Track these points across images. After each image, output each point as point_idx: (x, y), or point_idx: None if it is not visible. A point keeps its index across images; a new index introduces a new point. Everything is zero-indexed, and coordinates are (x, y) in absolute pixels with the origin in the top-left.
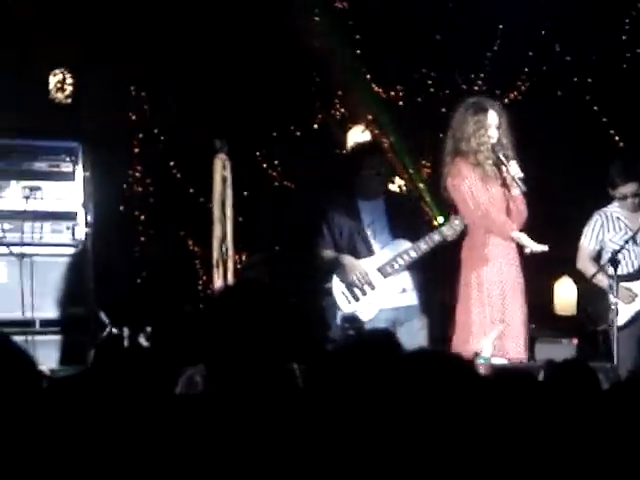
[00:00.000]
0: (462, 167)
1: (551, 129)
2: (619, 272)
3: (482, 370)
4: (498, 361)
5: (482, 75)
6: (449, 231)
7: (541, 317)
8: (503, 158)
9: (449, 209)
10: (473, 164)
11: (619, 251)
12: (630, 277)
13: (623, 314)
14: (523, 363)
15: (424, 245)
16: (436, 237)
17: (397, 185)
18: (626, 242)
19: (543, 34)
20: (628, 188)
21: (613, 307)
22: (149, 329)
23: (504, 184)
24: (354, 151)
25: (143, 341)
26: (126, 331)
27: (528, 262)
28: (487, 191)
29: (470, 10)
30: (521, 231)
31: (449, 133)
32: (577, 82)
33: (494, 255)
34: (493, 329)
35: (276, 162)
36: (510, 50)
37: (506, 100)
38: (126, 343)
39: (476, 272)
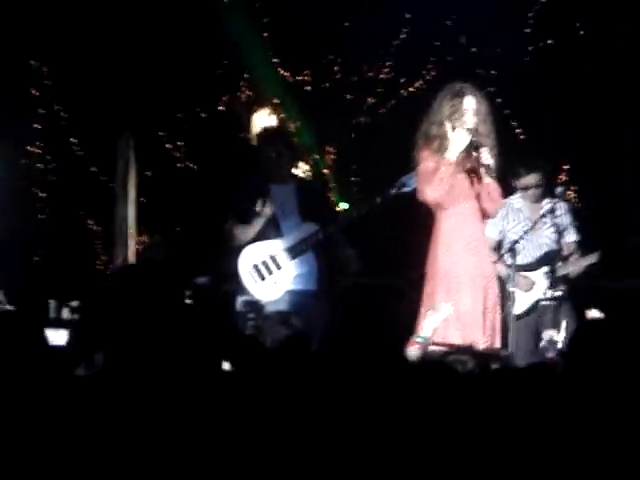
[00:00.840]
0: (427, 157)
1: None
2: (519, 262)
3: (415, 349)
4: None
5: (388, 63)
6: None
7: None
8: (475, 144)
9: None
10: (436, 150)
11: (517, 241)
12: (529, 267)
13: (521, 303)
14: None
15: (331, 228)
16: (342, 220)
17: (301, 170)
18: (525, 232)
19: (450, 24)
20: (530, 179)
21: (511, 295)
22: (74, 303)
23: (473, 171)
24: (258, 135)
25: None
26: (52, 303)
27: None
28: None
29: None
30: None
31: (425, 116)
32: (481, 74)
33: (450, 241)
34: (439, 311)
35: (180, 143)
36: (417, 39)
37: (411, 89)
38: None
39: (431, 257)
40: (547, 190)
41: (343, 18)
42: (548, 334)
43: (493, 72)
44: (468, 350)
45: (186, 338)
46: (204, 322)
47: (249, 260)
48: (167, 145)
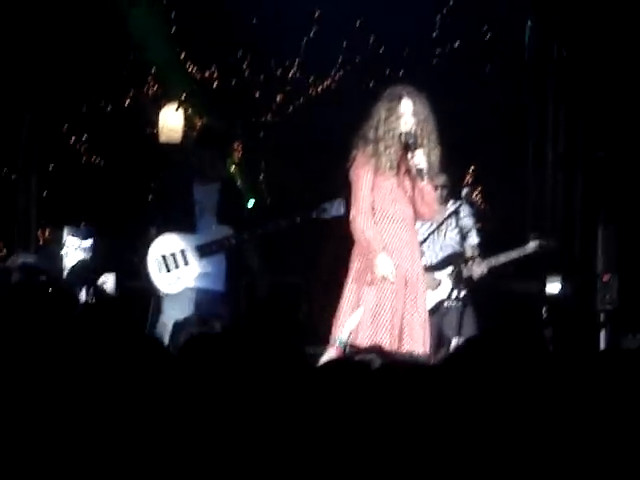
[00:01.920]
0: (359, 162)
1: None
2: (425, 262)
3: (333, 352)
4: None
5: (297, 62)
6: None
7: None
8: (409, 147)
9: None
10: (370, 155)
11: (423, 242)
12: (435, 267)
13: (427, 302)
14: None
15: (245, 236)
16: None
17: None
18: (430, 233)
19: (358, 25)
20: (436, 180)
21: None
22: None
23: (407, 174)
24: (197, 134)
25: None
26: None
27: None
28: (379, 186)
29: None
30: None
31: (364, 119)
32: (389, 74)
33: (372, 249)
34: (353, 315)
35: (84, 137)
36: (326, 38)
37: (319, 89)
38: None
39: (352, 262)
40: (453, 192)
41: (252, 15)
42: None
43: (401, 73)
44: (375, 350)
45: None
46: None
47: (159, 249)
48: (71, 139)
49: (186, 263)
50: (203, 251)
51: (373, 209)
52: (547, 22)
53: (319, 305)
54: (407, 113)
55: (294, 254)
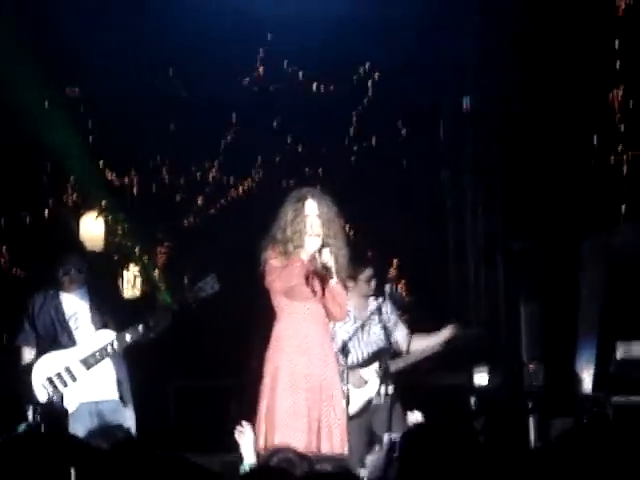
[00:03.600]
0: (270, 262)
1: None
2: (351, 360)
3: None
4: None
5: (216, 163)
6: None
7: None
8: (317, 247)
9: None
10: (281, 253)
11: (349, 339)
12: (360, 365)
13: (355, 402)
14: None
15: (129, 335)
16: (140, 328)
17: (131, 272)
18: (355, 331)
19: (275, 126)
20: (360, 274)
21: (344, 394)
22: None
23: (317, 275)
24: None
25: None
26: None
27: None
28: (290, 286)
29: (203, 98)
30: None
31: (273, 220)
32: (309, 172)
33: (281, 341)
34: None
35: (4, 249)
36: (243, 139)
37: (240, 189)
38: None
39: (266, 357)
40: (377, 286)
41: (168, 120)
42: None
43: (320, 170)
44: (291, 451)
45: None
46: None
47: (43, 372)
48: None
49: (74, 379)
50: (88, 363)
51: (284, 309)
52: (461, 118)
53: (249, 408)
54: (312, 214)
55: (228, 356)
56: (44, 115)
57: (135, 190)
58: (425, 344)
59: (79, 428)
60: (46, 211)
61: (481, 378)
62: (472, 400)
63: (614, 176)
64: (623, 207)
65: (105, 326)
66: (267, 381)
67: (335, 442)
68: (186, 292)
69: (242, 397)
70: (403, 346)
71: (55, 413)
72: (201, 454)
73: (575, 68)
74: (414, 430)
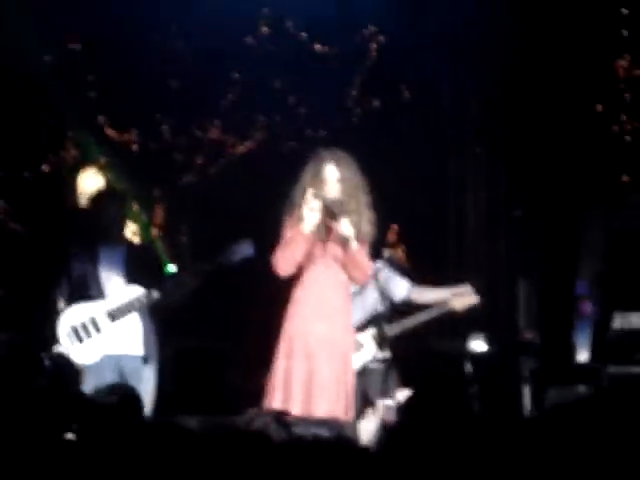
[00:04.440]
0: (289, 225)
1: (286, 178)
2: None
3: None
4: None
5: (217, 123)
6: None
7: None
8: (333, 214)
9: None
10: (297, 219)
11: None
12: (357, 329)
13: None
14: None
15: (156, 292)
16: (168, 285)
17: (130, 230)
18: (351, 295)
19: (277, 86)
20: None
21: None
22: None
23: (334, 240)
24: (92, 197)
25: None
26: None
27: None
28: (308, 250)
29: (205, 57)
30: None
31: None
32: (309, 134)
33: (300, 307)
34: None
35: (2, 204)
36: (245, 99)
37: (240, 148)
38: None
39: (284, 322)
40: (375, 252)
41: (170, 77)
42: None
43: (324, 132)
44: (271, 416)
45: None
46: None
47: (68, 321)
48: None
49: (98, 330)
50: (114, 315)
51: (302, 273)
52: (463, 81)
53: (242, 372)
54: (332, 179)
55: (221, 319)
56: (44, 68)
57: (134, 147)
58: (435, 296)
59: (97, 381)
60: (45, 166)
61: (477, 345)
62: (467, 366)
63: (616, 145)
64: (624, 177)
65: (136, 282)
66: (283, 346)
67: (349, 408)
68: (219, 255)
69: (240, 361)
70: (409, 297)
71: (68, 368)
72: (198, 415)
73: (580, 36)
74: (408, 402)
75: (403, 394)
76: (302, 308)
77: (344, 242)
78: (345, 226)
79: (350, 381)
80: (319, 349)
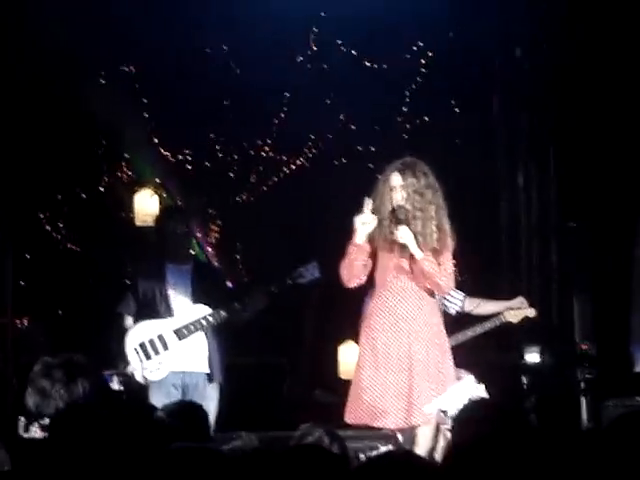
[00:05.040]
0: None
1: (338, 194)
2: None
3: None
4: None
5: (269, 141)
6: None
7: (326, 381)
8: (400, 221)
9: None
10: (376, 225)
11: None
12: None
13: None
14: None
15: (224, 312)
16: (235, 306)
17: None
18: None
19: (328, 103)
20: None
21: None
22: None
23: (402, 247)
24: (161, 213)
25: None
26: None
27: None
28: (380, 258)
29: (257, 76)
30: (430, 292)
31: None
32: (360, 150)
33: (376, 319)
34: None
35: (61, 224)
36: (296, 117)
37: (292, 166)
38: None
39: (361, 334)
40: None
41: (223, 97)
42: None
43: (372, 149)
44: (324, 431)
45: None
46: None
47: (137, 338)
48: (47, 227)
49: (165, 348)
50: (181, 333)
51: (376, 285)
52: (514, 94)
53: (302, 385)
54: (396, 187)
55: (277, 335)
56: (99, 91)
57: (189, 166)
58: (490, 308)
59: (162, 398)
60: (101, 187)
61: (533, 357)
62: (524, 379)
63: None
64: None
65: (203, 301)
66: (358, 358)
67: (424, 416)
68: (287, 276)
69: (296, 374)
70: (463, 309)
71: (137, 386)
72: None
73: (635, 42)
74: (468, 407)
75: (480, 389)
76: (370, 320)
77: (407, 250)
78: (404, 233)
79: (421, 389)
80: (383, 360)
